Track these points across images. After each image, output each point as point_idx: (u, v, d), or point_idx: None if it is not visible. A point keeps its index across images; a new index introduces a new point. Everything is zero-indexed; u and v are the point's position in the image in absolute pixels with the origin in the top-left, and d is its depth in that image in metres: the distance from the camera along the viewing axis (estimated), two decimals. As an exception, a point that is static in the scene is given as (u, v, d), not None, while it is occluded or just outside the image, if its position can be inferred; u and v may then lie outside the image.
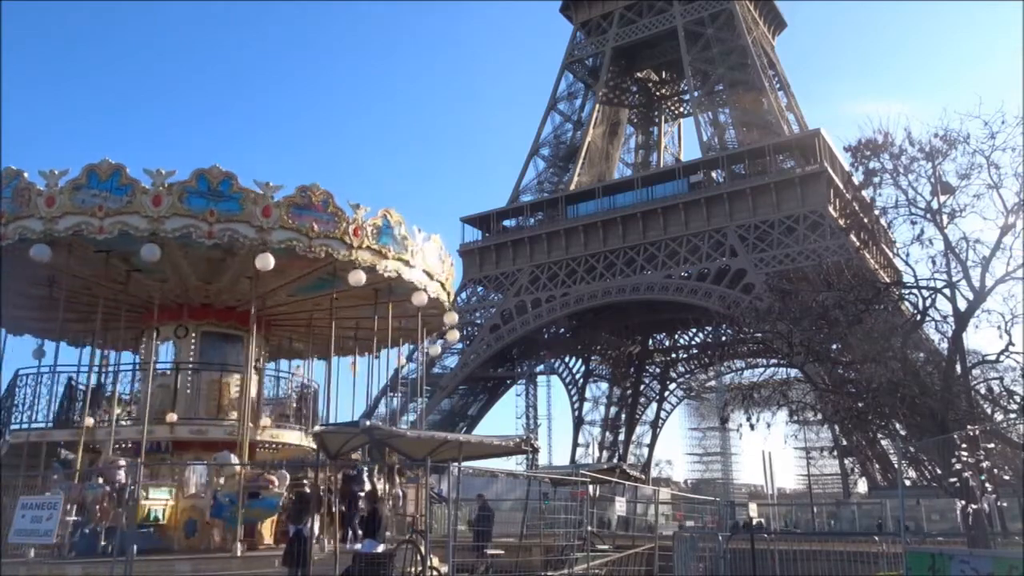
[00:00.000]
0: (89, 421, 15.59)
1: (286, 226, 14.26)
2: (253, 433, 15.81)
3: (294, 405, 18.31)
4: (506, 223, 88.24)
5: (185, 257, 15.08)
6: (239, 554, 13.80)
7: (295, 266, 15.38)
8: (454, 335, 21.58)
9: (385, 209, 15.92)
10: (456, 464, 13.59)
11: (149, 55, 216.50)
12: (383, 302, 17.06)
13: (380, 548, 13.21)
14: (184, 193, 13.80)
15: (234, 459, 14.47)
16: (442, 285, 17.94)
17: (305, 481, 14.82)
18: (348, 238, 14.89)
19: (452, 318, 19.70)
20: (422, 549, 12.88)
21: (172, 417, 15.65)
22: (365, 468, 15.12)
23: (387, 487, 15.95)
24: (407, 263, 16.25)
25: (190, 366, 17.17)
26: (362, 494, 14.83)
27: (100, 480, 13.82)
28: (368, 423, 14.17)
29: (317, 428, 16.46)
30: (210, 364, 17.37)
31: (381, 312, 17.22)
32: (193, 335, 17.30)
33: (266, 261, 14.09)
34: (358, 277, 15.23)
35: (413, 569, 13.04)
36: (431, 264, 17.18)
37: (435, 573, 13.04)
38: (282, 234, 14.23)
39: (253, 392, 16.67)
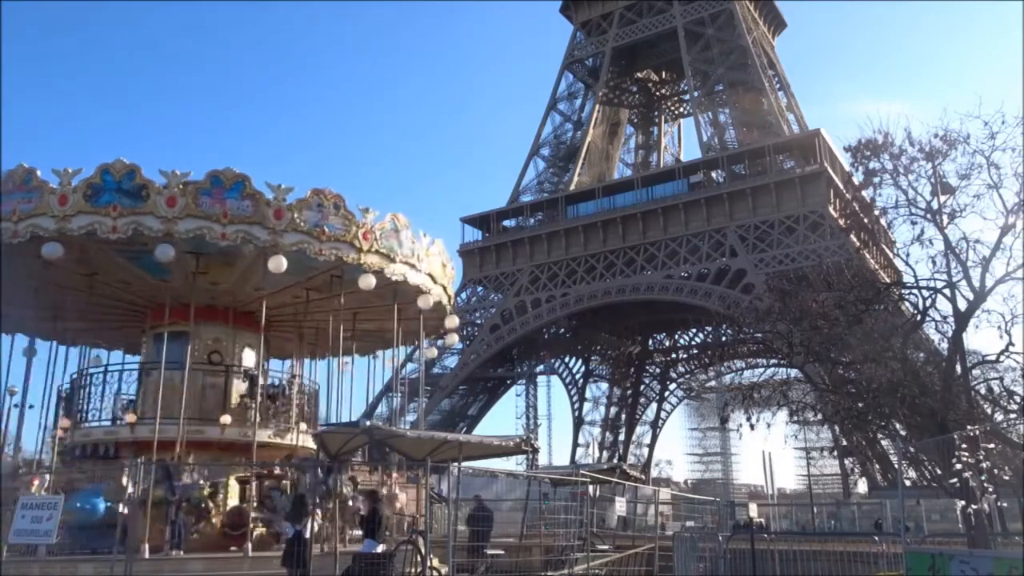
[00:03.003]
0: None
1: (298, 229, 14.31)
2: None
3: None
4: (506, 223, 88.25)
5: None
6: (250, 554, 13.94)
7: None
8: (453, 338, 21.64)
9: (393, 213, 16.03)
10: (456, 464, 13.60)
11: (148, 55, 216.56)
12: (387, 305, 17.07)
13: (380, 548, 13.22)
14: (197, 194, 13.85)
15: None
16: (444, 289, 18.07)
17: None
18: (358, 241, 14.95)
19: (454, 321, 19.81)
20: (422, 549, 12.88)
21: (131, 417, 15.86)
22: (171, 467, 14.42)
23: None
24: (414, 267, 16.33)
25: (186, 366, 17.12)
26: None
27: None
28: (368, 423, 14.21)
29: (318, 428, 16.46)
30: (211, 364, 17.33)
31: (385, 314, 17.22)
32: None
33: (279, 263, 14.13)
34: (368, 281, 15.30)
35: (413, 569, 13.03)
36: (435, 268, 17.29)
37: (435, 573, 13.05)
38: (294, 237, 14.28)
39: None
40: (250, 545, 14.15)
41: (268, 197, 14.33)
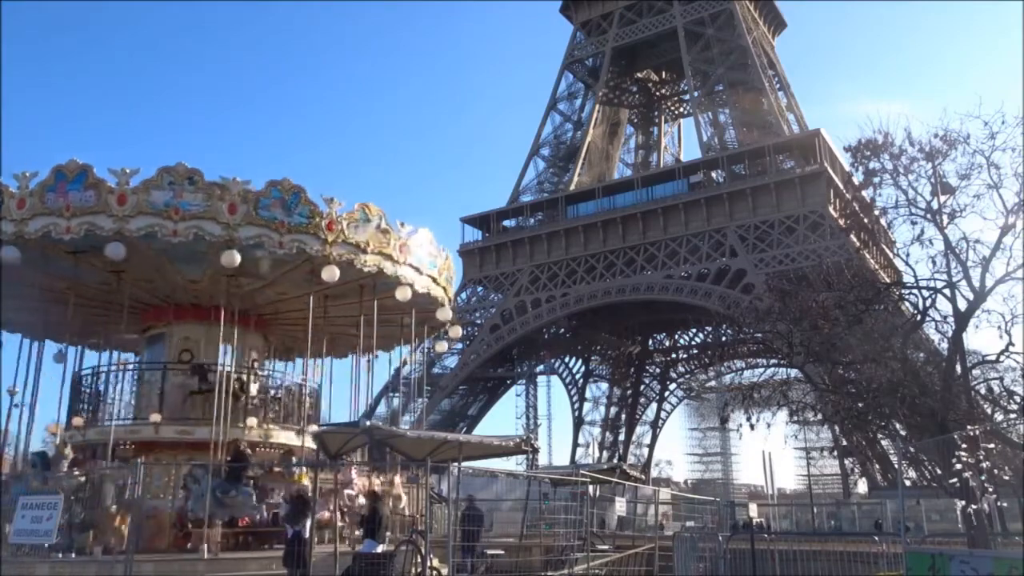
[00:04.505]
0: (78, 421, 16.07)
1: (145, 211, 13.66)
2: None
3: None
4: (506, 223, 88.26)
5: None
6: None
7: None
8: (456, 331, 21.23)
9: (362, 203, 15.35)
10: (456, 464, 13.59)
11: (148, 55, 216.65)
12: (367, 300, 16.41)
13: (380, 548, 13.22)
14: (44, 192, 13.69)
15: None
16: (434, 280, 17.25)
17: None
18: (223, 216, 13.94)
19: (446, 313, 18.86)
20: (422, 549, 12.88)
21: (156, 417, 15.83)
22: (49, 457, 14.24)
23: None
24: (389, 257, 15.62)
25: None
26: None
27: None
28: (368, 423, 14.19)
29: (317, 428, 16.42)
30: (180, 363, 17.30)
31: (367, 309, 16.58)
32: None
33: (116, 250, 13.68)
34: (332, 273, 14.69)
35: (413, 569, 13.04)
36: (419, 258, 16.52)
37: (435, 573, 13.05)
38: (142, 221, 13.64)
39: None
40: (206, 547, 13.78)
41: (111, 183, 13.73)
